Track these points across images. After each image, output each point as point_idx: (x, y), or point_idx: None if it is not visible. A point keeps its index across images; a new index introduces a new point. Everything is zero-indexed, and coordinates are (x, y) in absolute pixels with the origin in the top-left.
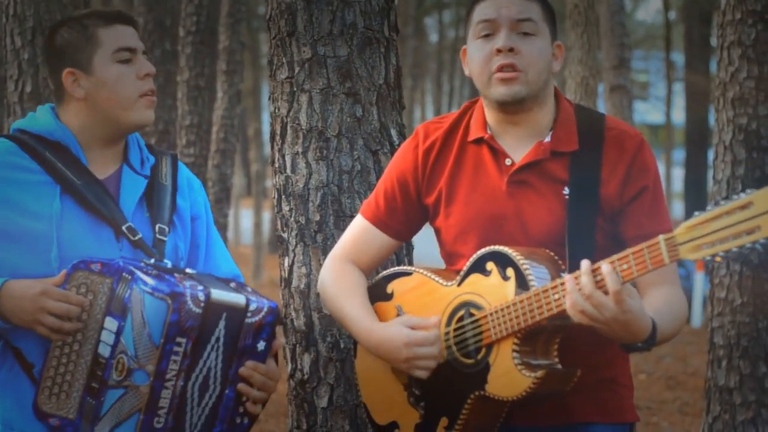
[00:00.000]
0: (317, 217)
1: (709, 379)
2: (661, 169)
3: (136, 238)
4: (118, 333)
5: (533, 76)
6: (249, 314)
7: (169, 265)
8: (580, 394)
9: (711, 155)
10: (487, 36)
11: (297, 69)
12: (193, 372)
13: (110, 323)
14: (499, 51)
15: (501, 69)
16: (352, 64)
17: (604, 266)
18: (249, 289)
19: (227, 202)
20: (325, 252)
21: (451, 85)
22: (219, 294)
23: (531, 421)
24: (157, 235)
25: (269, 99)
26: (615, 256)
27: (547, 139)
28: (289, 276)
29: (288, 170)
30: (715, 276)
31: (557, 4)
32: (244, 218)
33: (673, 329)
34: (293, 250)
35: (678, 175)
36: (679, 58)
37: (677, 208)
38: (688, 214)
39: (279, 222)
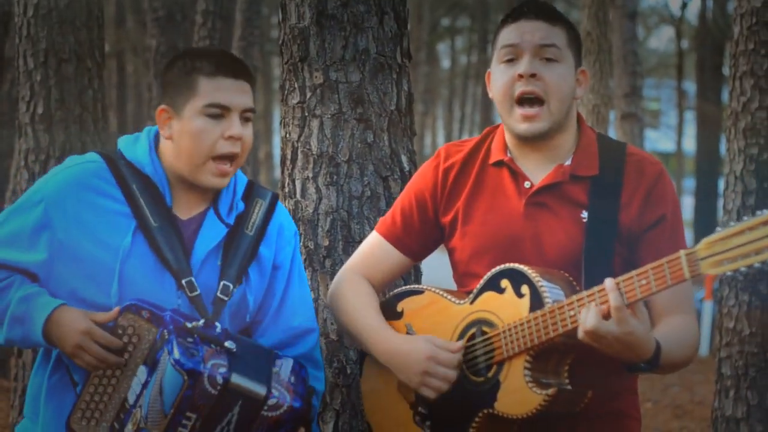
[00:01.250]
0: (326, 243)
1: (716, 409)
2: None
3: (193, 294)
4: (144, 386)
5: (555, 104)
6: (266, 408)
7: (218, 329)
8: (589, 423)
9: (721, 184)
10: (510, 61)
11: (309, 94)
12: None
13: (141, 373)
14: (521, 76)
15: (522, 97)
16: (364, 89)
17: (607, 282)
18: (292, 378)
19: None
20: (334, 277)
21: (462, 112)
22: (239, 380)
23: None
24: (219, 294)
25: (280, 123)
26: (634, 272)
27: (568, 162)
28: None
29: (298, 195)
30: (724, 306)
31: None
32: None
33: (681, 356)
34: None
35: (688, 203)
36: (690, 86)
37: (687, 236)
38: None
39: None
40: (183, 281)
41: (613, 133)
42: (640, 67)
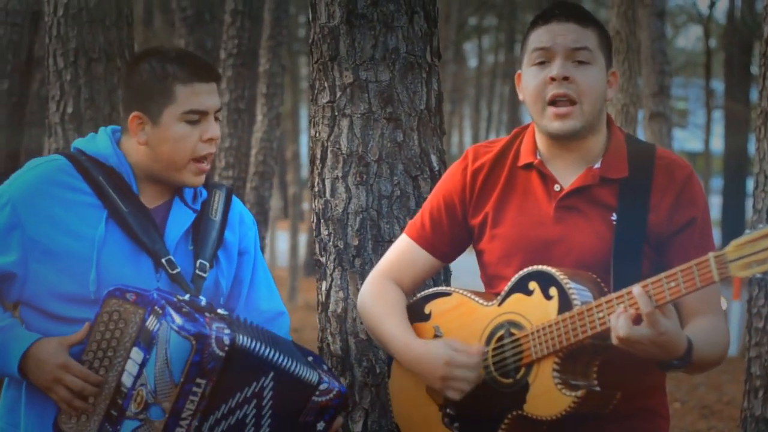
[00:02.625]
0: (356, 242)
1: (745, 409)
2: None
3: (175, 271)
4: (142, 365)
5: (588, 106)
6: (317, 393)
7: (204, 302)
8: (618, 422)
9: (750, 184)
10: (542, 63)
11: (338, 93)
12: (211, 414)
13: (136, 354)
14: (553, 79)
15: (555, 99)
16: (394, 89)
17: (635, 289)
18: (325, 367)
19: (265, 225)
20: (363, 277)
21: (489, 111)
22: (245, 341)
23: None
24: (197, 271)
25: (310, 123)
26: (663, 274)
27: (597, 165)
28: (327, 300)
29: (327, 194)
30: (753, 306)
31: None
32: (280, 241)
33: (712, 354)
34: (331, 275)
35: (716, 203)
36: (719, 85)
37: (715, 236)
38: (725, 242)
39: (317, 246)
40: (163, 260)
41: (641, 132)
42: (668, 66)
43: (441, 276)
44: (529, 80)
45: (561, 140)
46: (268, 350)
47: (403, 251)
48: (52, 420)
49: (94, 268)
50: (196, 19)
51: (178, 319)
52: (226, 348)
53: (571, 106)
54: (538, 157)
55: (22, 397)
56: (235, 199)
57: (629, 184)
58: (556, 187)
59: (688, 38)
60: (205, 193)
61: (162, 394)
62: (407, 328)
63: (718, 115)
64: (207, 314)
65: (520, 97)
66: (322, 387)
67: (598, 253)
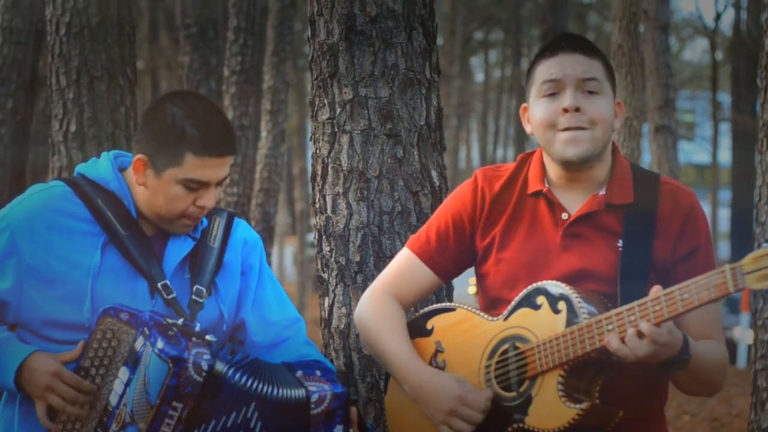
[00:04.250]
0: (357, 258)
1: (752, 421)
2: (707, 209)
3: (170, 296)
4: (126, 385)
5: (600, 133)
6: (312, 406)
7: (197, 327)
8: None
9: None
10: (552, 95)
11: (338, 110)
12: None
13: (123, 373)
14: (565, 110)
15: (567, 129)
16: (393, 105)
17: (630, 332)
18: (317, 373)
19: (270, 241)
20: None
21: (496, 125)
22: (223, 368)
23: None
24: (194, 297)
25: (311, 139)
26: (676, 286)
27: (602, 191)
28: (329, 316)
29: (329, 211)
30: (759, 318)
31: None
32: (288, 256)
33: (711, 366)
34: (333, 291)
35: (724, 215)
36: (725, 98)
37: (723, 248)
38: (734, 254)
39: (319, 262)
40: (159, 285)
41: (646, 146)
42: (672, 79)
43: (444, 292)
44: (539, 112)
45: (572, 167)
46: (247, 378)
47: (406, 266)
48: None
49: (89, 297)
50: (200, 36)
51: (160, 342)
52: (204, 373)
53: (584, 131)
54: (546, 185)
55: (15, 417)
56: (238, 223)
57: (634, 210)
58: (564, 216)
59: (695, 51)
60: (205, 221)
61: (139, 414)
62: (411, 350)
63: (725, 128)
64: (194, 339)
65: (528, 130)
66: (313, 398)
67: (605, 279)
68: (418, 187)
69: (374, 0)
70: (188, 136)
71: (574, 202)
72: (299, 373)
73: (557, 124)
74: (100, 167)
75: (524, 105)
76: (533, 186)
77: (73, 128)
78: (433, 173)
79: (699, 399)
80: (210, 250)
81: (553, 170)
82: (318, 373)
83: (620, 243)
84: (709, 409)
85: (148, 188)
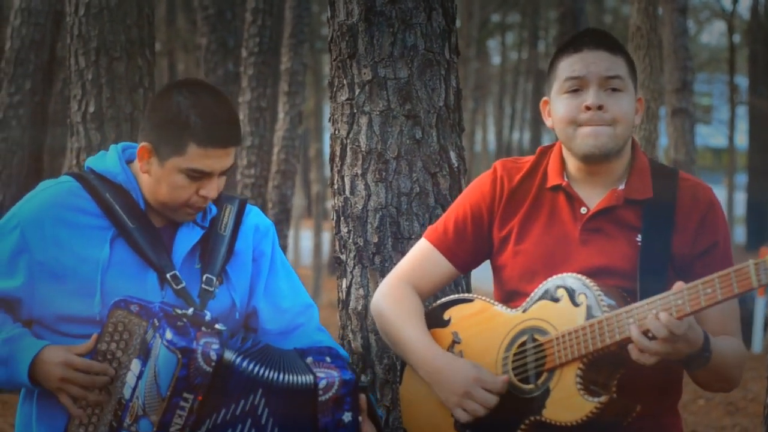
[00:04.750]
0: (375, 239)
1: (767, 405)
2: (723, 193)
3: (179, 287)
4: (138, 377)
5: (621, 130)
6: (320, 392)
7: (208, 317)
8: None
9: None
10: (575, 92)
11: (357, 91)
12: (198, 430)
13: (135, 366)
14: (588, 108)
15: (588, 125)
16: (413, 86)
17: (650, 317)
18: (327, 359)
19: (287, 223)
20: (383, 274)
21: (513, 108)
22: (232, 356)
23: None
24: (204, 286)
25: (329, 120)
26: (699, 281)
27: (621, 186)
28: (347, 297)
29: (347, 192)
30: None
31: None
32: (304, 239)
33: (730, 360)
34: (351, 272)
35: (740, 199)
36: (743, 81)
37: (739, 232)
38: (750, 239)
39: (337, 243)
40: (168, 275)
41: (663, 128)
42: (690, 62)
43: (462, 282)
44: (561, 108)
45: (591, 161)
46: (254, 365)
47: (424, 257)
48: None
49: (99, 291)
50: (217, 18)
51: (168, 333)
52: (213, 363)
53: (605, 127)
54: (566, 179)
55: (33, 412)
56: (250, 210)
57: (653, 205)
58: (582, 210)
59: (712, 34)
60: (215, 209)
61: (150, 407)
62: (428, 337)
63: (742, 111)
64: (203, 328)
65: (548, 123)
66: (321, 385)
67: (624, 274)
68: (436, 169)
69: None
70: (192, 126)
71: (593, 197)
72: (309, 360)
73: (579, 121)
74: (107, 160)
75: (545, 99)
76: (552, 180)
77: (91, 109)
78: (452, 154)
79: None
80: (221, 238)
81: (573, 164)
82: (328, 359)
83: (639, 238)
84: (724, 393)
85: (151, 176)
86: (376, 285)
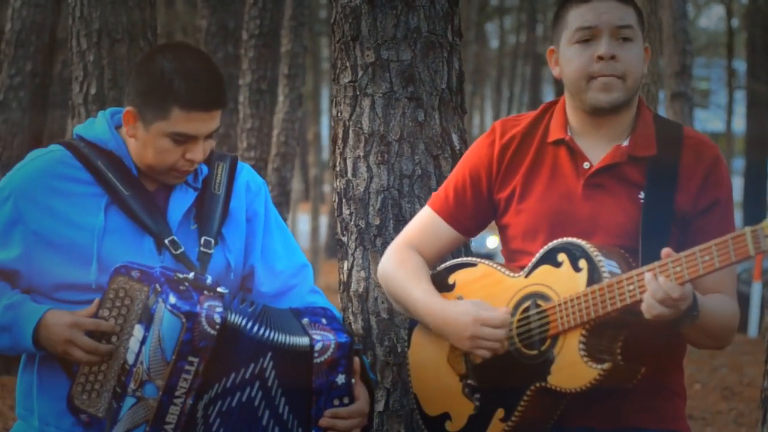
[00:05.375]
0: (377, 221)
1: (765, 389)
2: None
3: (178, 251)
4: (142, 342)
5: (631, 82)
6: (316, 354)
7: (209, 280)
8: (636, 398)
9: None
10: (586, 41)
11: (360, 73)
12: (205, 393)
13: (138, 331)
14: (600, 58)
15: (600, 76)
16: (415, 68)
17: (647, 274)
18: (323, 321)
19: (287, 206)
20: None
21: (511, 91)
22: (237, 319)
23: (584, 422)
24: (202, 248)
25: (331, 102)
26: (696, 248)
27: (625, 143)
28: (348, 279)
29: (349, 174)
30: None
31: None
32: (301, 223)
33: (719, 320)
34: (352, 254)
35: (738, 184)
36: (741, 65)
37: (737, 217)
38: (747, 223)
39: (339, 225)
40: (165, 240)
41: (662, 112)
42: (690, 45)
43: (462, 252)
44: (572, 58)
45: (600, 114)
46: (261, 329)
47: (426, 223)
48: (64, 402)
49: (95, 258)
50: (218, 0)
51: (172, 298)
52: (217, 326)
53: (618, 80)
54: (569, 134)
55: (34, 381)
56: (242, 167)
57: (657, 162)
58: (585, 165)
59: (710, 18)
60: (206, 169)
61: (155, 371)
62: (433, 291)
63: (740, 96)
64: (205, 292)
65: (555, 73)
66: (317, 347)
67: (626, 232)
68: (438, 151)
69: None
70: (175, 89)
71: (596, 152)
72: (305, 321)
73: (592, 73)
74: (97, 127)
75: (551, 47)
76: (554, 134)
77: (93, 91)
78: (454, 137)
79: (710, 368)
80: (215, 198)
81: (578, 118)
82: (324, 321)
83: (642, 195)
84: (721, 377)
85: (137, 140)
86: (377, 267)
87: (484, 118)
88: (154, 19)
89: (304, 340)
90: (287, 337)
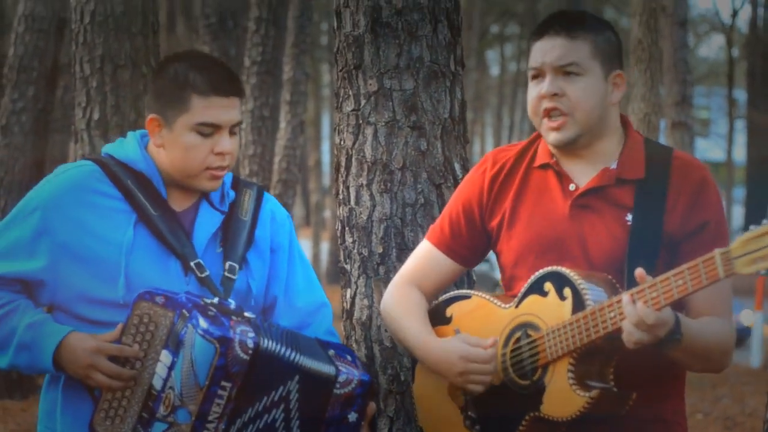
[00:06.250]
0: (380, 250)
1: (767, 420)
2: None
3: (203, 275)
4: (171, 368)
5: (581, 116)
6: (338, 385)
7: (233, 305)
8: (635, 427)
9: None
10: (536, 77)
11: (363, 101)
12: (238, 417)
13: (165, 357)
14: (543, 97)
15: (549, 114)
16: (418, 97)
17: (624, 297)
18: (348, 357)
19: None
20: (388, 284)
21: (511, 119)
22: (269, 344)
23: None
24: (226, 273)
25: (334, 131)
26: (671, 272)
27: (614, 165)
28: (351, 307)
29: (352, 202)
30: None
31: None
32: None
33: (708, 344)
34: (356, 282)
35: (738, 213)
36: (741, 95)
37: None
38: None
39: (342, 253)
40: (191, 263)
41: (663, 141)
42: (690, 75)
43: (464, 282)
44: (529, 94)
45: (561, 150)
46: (291, 353)
47: (425, 256)
48: (87, 422)
49: (123, 273)
50: (219, 26)
51: (203, 323)
52: (250, 351)
53: (564, 117)
54: (554, 158)
55: (58, 400)
56: (268, 197)
57: (646, 185)
58: (571, 186)
59: (711, 47)
60: (233, 194)
61: (188, 397)
62: (426, 329)
63: (740, 125)
64: (233, 317)
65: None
66: (341, 379)
67: (612, 254)
68: (441, 180)
69: None
70: (191, 80)
71: (583, 175)
72: (331, 352)
73: (539, 110)
74: (127, 147)
75: None
76: (541, 159)
77: (96, 116)
78: (456, 166)
79: (712, 398)
80: (241, 223)
81: (553, 149)
82: (348, 357)
83: (629, 217)
84: (723, 408)
85: (165, 147)
86: (381, 295)
87: (484, 146)
88: (157, 46)
89: (330, 369)
90: (315, 363)
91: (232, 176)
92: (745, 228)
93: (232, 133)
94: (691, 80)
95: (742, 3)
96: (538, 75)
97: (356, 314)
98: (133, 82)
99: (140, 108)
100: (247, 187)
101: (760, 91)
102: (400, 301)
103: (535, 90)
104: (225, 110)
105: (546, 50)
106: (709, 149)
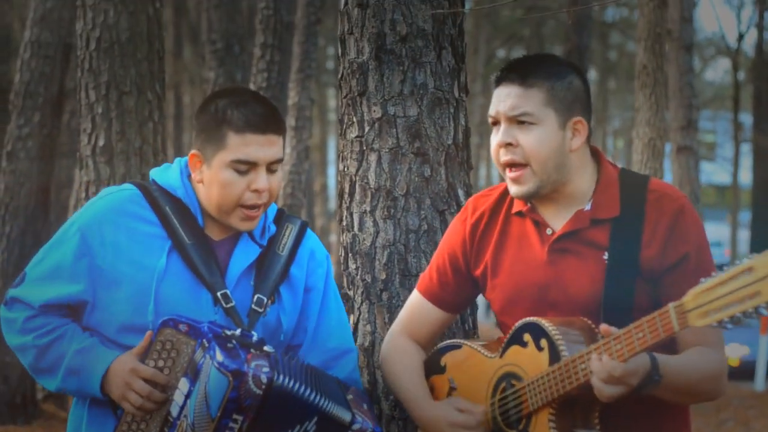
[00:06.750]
0: (383, 276)
1: None
2: (727, 230)
3: (229, 305)
4: (187, 396)
5: (537, 166)
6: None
7: (255, 338)
8: None
9: None
10: (495, 125)
11: (367, 128)
12: None
13: (183, 385)
14: (500, 146)
15: (508, 165)
16: (422, 124)
17: (593, 357)
18: (365, 405)
19: None
20: (390, 310)
21: None
22: (284, 380)
23: None
24: (254, 306)
25: (338, 157)
26: (632, 325)
27: (587, 207)
28: (354, 333)
29: (355, 228)
30: None
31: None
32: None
33: (694, 378)
34: (359, 308)
35: (744, 237)
36: (747, 119)
37: None
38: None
39: (345, 280)
40: (218, 293)
41: (668, 165)
42: (696, 99)
43: (468, 312)
44: (490, 143)
45: (528, 200)
46: (308, 391)
47: (415, 307)
48: None
49: (153, 299)
50: (226, 52)
51: (219, 355)
52: (263, 386)
53: (522, 168)
54: (528, 204)
55: (84, 417)
56: (310, 234)
57: (621, 222)
58: (548, 231)
59: (717, 71)
60: (274, 228)
61: (200, 427)
62: (422, 390)
63: (746, 148)
64: (252, 350)
65: None
66: (355, 427)
67: (592, 294)
68: (444, 206)
69: (404, 19)
70: (228, 117)
71: (558, 218)
72: (350, 397)
73: (500, 159)
74: (170, 174)
75: None
76: (517, 206)
77: (101, 143)
78: (460, 192)
79: (717, 422)
80: (277, 258)
81: None
82: (365, 406)
83: (606, 256)
84: (727, 431)
85: (204, 184)
86: (384, 321)
87: (490, 170)
88: (162, 71)
89: (347, 415)
90: (335, 406)
91: (276, 210)
92: (751, 252)
93: (270, 170)
94: (696, 104)
95: (748, 27)
96: (495, 123)
97: (359, 340)
98: (138, 109)
99: (145, 134)
100: (289, 222)
101: (765, 115)
102: (396, 359)
103: (494, 139)
104: (261, 147)
105: (501, 99)
106: (715, 173)
